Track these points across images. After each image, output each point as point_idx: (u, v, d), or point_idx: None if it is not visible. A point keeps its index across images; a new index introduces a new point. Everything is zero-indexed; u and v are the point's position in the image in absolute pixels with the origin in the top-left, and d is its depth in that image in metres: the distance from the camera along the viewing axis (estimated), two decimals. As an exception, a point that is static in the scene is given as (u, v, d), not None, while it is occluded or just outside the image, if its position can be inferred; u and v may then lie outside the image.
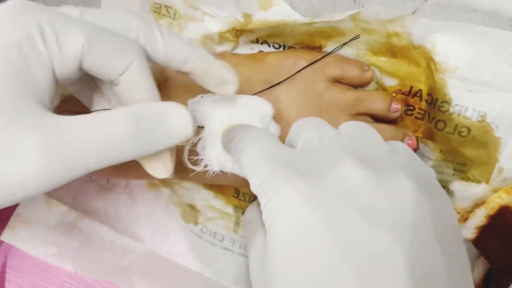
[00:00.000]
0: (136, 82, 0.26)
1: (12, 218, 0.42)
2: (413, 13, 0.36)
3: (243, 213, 0.45)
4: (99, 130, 0.23)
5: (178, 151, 0.34)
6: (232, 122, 0.33)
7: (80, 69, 0.26)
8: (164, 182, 0.46)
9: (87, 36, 0.24)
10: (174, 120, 0.25)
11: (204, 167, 0.33)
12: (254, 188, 0.24)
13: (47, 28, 0.23)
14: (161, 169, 0.28)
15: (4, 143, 0.21)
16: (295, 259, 0.21)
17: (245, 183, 0.39)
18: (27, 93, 0.23)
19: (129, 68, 0.26)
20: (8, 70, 0.22)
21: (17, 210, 0.43)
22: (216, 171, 0.33)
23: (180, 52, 0.28)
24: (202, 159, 0.33)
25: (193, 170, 0.33)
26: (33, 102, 0.23)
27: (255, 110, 0.34)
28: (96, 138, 0.23)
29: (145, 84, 0.27)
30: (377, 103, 0.39)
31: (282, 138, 0.35)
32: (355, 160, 0.23)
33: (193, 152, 0.34)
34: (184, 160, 0.33)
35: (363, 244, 0.20)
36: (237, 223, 0.45)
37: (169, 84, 0.38)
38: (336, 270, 0.20)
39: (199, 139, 0.33)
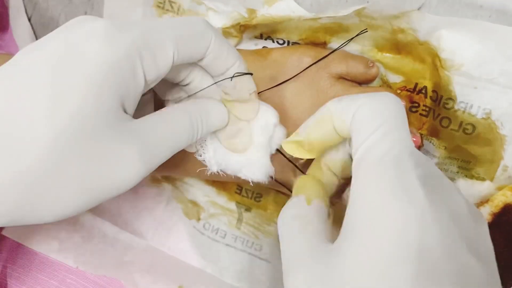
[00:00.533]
0: (218, 53, 0.29)
1: (14, 213, 0.42)
2: (419, 9, 0.36)
3: (246, 209, 0.45)
4: (167, 129, 0.27)
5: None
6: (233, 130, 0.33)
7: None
8: (166, 178, 0.46)
9: (175, 42, 0.27)
10: (216, 114, 0.31)
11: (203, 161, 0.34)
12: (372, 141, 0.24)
13: (142, 46, 0.25)
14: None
15: (108, 153, 0.24)
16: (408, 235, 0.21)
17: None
18: (122, 105, 0.25)
19: (210, 46, 0.29)
20: (110, 88, 0.24)
21: (19, 205, 0.43)
22: (214, 172, 0.34)
23: (225, 65, 0.31)
24: (200, 155, 0.34)
25: (199, 166, 0.33)
26: (126, 115, 0.26)
27: (258, 120, 0.34)
28: (166, 136, 0.27)
29: (226, 51, 0.30)
30: None
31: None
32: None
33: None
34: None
35: (464, 266, 0.22)
36: (239, 220, 0.45)
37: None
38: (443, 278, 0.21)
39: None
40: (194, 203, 0.46)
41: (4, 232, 0.41)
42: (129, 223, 0.46)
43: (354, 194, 0.24)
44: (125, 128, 0.25)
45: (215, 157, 0.33)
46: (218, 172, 0.33)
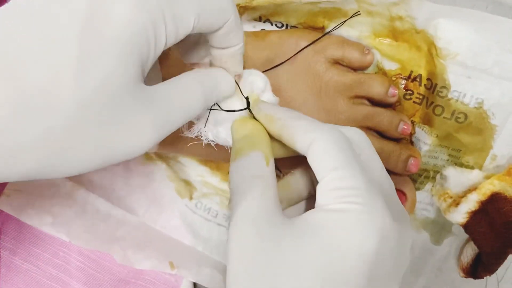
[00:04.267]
0: (230, 33, 0.29)
1: (8, 186, 0.42)
2: (418, -3, 0.37)
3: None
4: (180, 98, 0.28)
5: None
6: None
7: None
8: (160, 156, 0.46)
9: (198, 11, 0.26)
10: (225, 84, 0.31)
11: (196, 136, 0.34)
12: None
13: (167, 13, 0.25)
14: None
15: (126, 119, 0.24)
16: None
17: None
18: (141, 70, 0.25)
19: (226, 24, 0.29)
20: (135, 55, 0.24)
21: (13, 178, 0.43)
22: (209, 141, 0.33)
23: (229, 43, 0.30)
24: (195, 128, 0.34)
25: (191, 140, 0.33)
26: (142, 77, 0.25)
27: (250, 83, 0.34)
28: (180, 104, 0.27)
29: (237, 35, 0.30)
30: (375, 87, 0.39)
31: None
32: None
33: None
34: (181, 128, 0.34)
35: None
36: (231, 200, 0.45)
37: (167, 62, 0.38)
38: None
39: None
40: (187, 182, 0.46)
41: (-3, 205, 0.42)
42: (121, 199, 0.46)
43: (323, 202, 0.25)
44: (142, 95, 0.25)
45: (210, 126, 0.33)
46: (212, 142, 0.33)
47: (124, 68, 0.24)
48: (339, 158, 0.26)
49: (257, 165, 0.28)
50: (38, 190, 0.43)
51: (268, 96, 0.34)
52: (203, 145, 0.34)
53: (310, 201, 0.32)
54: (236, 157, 0.29)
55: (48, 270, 0.41)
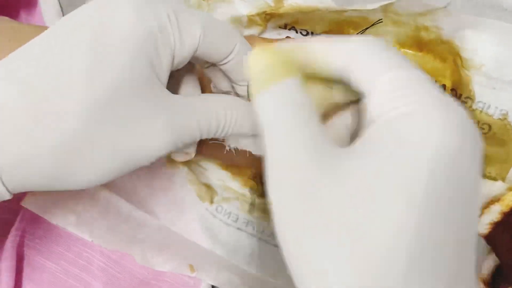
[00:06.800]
0: (239, 60, 0.30)
1: (34, 185, 0.43)
2: (445, 7, 0.37)
3: (259, 195, 0.46)
4: (203, 111, 0.28)
5: None
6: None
7: (193, 55, 0.28)
8: (182, 160, 0.47)
9: (203, 25, 0.27)
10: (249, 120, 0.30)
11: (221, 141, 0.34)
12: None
13: (173, 19, 0.26)
14: None
15: (138, 121, 0.25)
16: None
17: (262, 165, 0.40)
18: (156, 77, 0.26)
19: (233, 50, 0.29)
20: (144, 58, 0.25)
21: (39, 177, 0.43)
22: (231, 147, 0.34)
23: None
24: None
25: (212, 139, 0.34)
26: (159, 85, 0.26)
27: None
28: (200, 116, 0.28)
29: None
30: None
31: None
32: None
33: None
34: None
35: None
36: (252, 205, 0.46)
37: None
38: None
39: None
40: (208, 186, 0.47)
41: (23, 203, 0.42)
42: (143, 202, 0.47)
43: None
44: (157, 99, 0.26)
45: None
46: (233, 148, 0.34)
47: (133, 73, 0.24)
48: (389, 58, 0.22)
49: (295, 92, 0.22)
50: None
51: None
52: (224, 150, 0.34)
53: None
54: (263, 86, 0.23)
55: (72, 270, 0.42)
